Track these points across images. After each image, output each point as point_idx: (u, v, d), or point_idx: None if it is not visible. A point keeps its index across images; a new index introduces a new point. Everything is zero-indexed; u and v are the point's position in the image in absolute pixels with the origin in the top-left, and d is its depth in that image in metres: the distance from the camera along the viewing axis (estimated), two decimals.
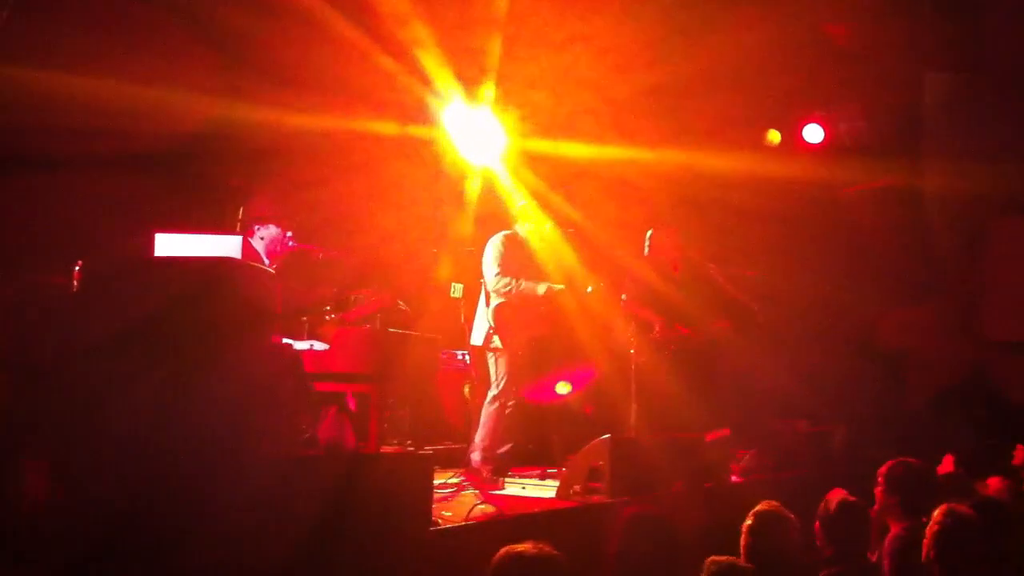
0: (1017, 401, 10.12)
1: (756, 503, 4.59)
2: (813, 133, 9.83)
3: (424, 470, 5.27)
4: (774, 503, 4.50)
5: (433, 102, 7.46)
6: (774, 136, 9.71)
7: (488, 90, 7.57)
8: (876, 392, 9.52)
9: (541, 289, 6.84)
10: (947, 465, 6.61)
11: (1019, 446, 7.72)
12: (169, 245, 5.17)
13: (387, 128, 7.27)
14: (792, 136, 9.86)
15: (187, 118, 6.38)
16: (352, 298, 6.79)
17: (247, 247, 5.81)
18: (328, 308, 6.49)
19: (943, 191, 9.61)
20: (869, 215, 9.78)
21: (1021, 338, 11.32)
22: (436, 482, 5.67)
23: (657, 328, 7.55)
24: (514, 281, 6.85)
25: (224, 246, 5.40)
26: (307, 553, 4.51)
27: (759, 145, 8.90)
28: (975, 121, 9.64)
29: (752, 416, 8.19)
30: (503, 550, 3.48)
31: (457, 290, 7.60)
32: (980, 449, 7.90)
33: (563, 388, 7.03)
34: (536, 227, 7.10)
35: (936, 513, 4.28)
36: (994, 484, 6.27)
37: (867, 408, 9.04)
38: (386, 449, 5.77)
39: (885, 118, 9.48)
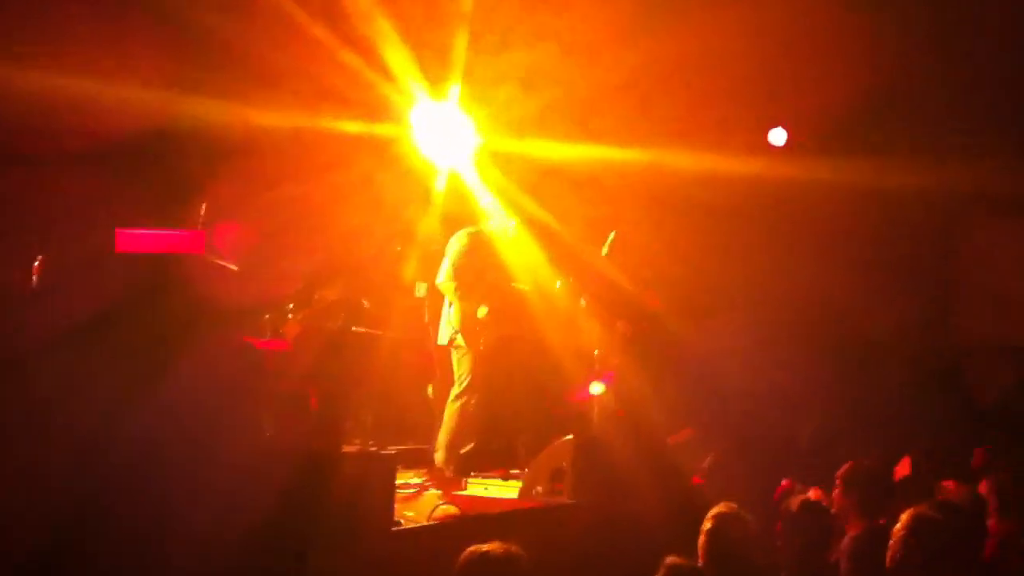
0: (982, 403, 10.25)
1: (715, 504, 4.62)
2: (777, 136, 9.89)
3: (387, 470, 5.26)
4: (732, 505, 4.52)
5: (399, 100, 7.43)
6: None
7: (454, 88, 7.55)
8: (845, 391, 9.59)
9: (480, 312, 6.86)
10: (904, 467, 6.67)
11: (977, 450, 7.82)
12: (130, 241, 5.12)
13: (352, 126, 7.22)
14: (758, 135, 9.90)
15: (150, 114, 6.31)
16: (315, 296, 6.75)
17: (208, 244, 5.76)
18: (290, 306, 6.45)
19: (914, 189, 9.69)
20: (839, 213, 9.84)
21: (990, 340, 11.47)
22: (399, 482, 5.65)
23: (622, 328, 7.56)
24: (451, 289, 6.86)
25: (185, 243, 5.36)
26: (268, 552, 4.49)
27: (725, 143, 8.93)
28: (947, 117, 9.74)
29: (718, 417, 8.23)
30: (469, 549, 3.48)
31: (421, 289, 7.58)
32: (938, 450, 7.99)
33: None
34: (501, 225, 7.10)
35: (903, 517, 4.29)
36: (950, 487, 6.34)
37: (835, 407, 9.10)
38: (348, 449, 5.74)
39: (854, 114, 9.54)
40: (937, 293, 11.66)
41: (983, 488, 5.80)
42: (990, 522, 5.39)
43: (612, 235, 7.65)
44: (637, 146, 8.45)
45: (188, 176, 6.56)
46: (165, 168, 6.67)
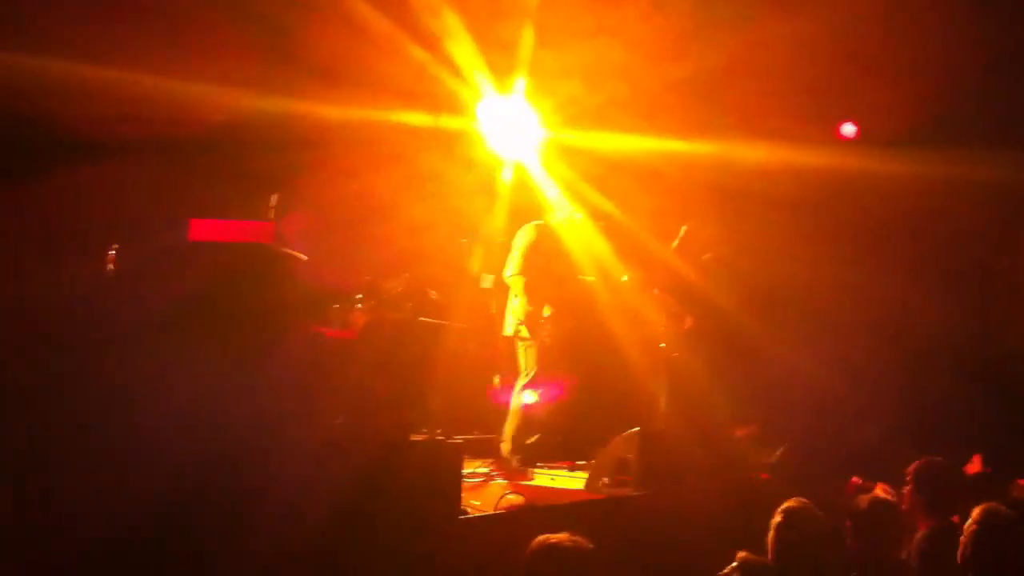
0: None
1: (783, 500, 4.59)
2: (848, 130, 9.76)
3: (454, 459, 5.31)
4: (803, 500, 4.49)
5: (465, 93, 7.48)
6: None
7: (519, 81, 7.57)
8: (908, 392, 9.45)
9: (545, 311, 6.86)
10: (976, 465, 6.57)
11: None
12: (203, 231, 5.22)
13: (419, 119, 7.29)
14: (826, 127, 9.77)
15: (223, 109, 6.44)
16: (382, 287, 6.82)
17: (278, 234, 5.85)
18: (359, 297, 6.53)
19: (976, 182, 9.50)
20: (904, 206, 9.67)
21: None
22: (465, 471, 5.70)
23: (689, 321, 7.54)
24: (519, 284, 6.87)
25: (256, 233, 5.44)
26: (338, 539, 4.56)
27: (792, 135, 8.82)
28: (1010, 112, 9.52)
29: (783, 413, 8.16)
30: (539, 539, 3.52)
31: (488, 281, 7.62)
32: (1009, 450, 7.84)
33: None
34: (568, 217, 7.12)
35: (975, 512, 4.26)
36: (1023, 486, 6.23)
37: (900, 407, 8.96)
38: (416, 438, 5.80)
39: (920, 107, 9.37)
40: (1006, 294, 11.40)
41: None
42: None
43: (683, 229, 7.63)
44: (702, 139, 8.39)
45: (260, 169, 6.67)
46: (238, 161, 6.79)
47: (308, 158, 6.95)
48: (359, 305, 6.61)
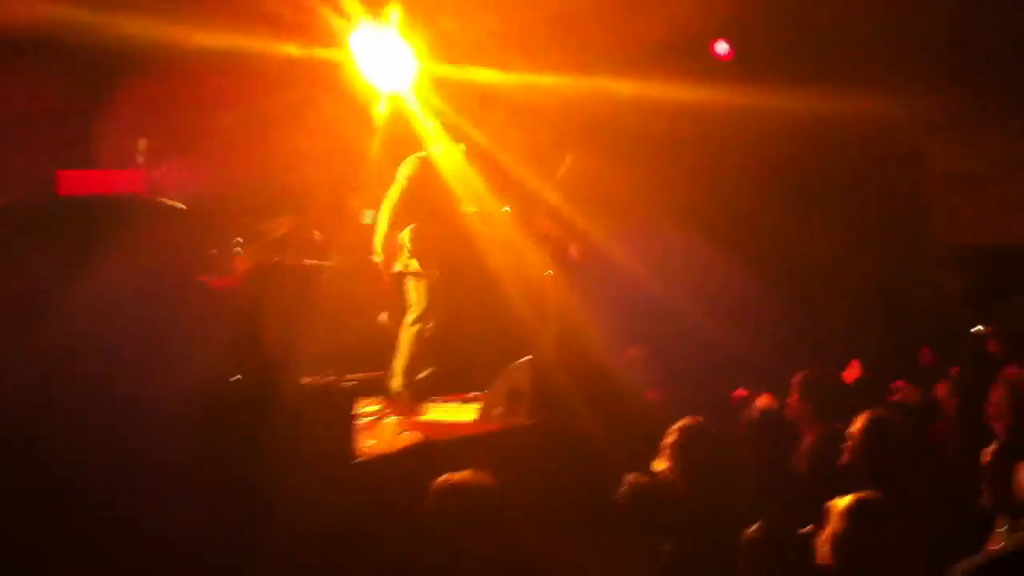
0: (930, 304, 10.48)
1: (675, 420, 4.66)
2: (721, 48, 9.84)
3: (345, 400, 5.23)
4: (696, 417, 4.56)
5: (338, 23, 7.23)
6: None
7: (394, 13, 7.36)
8: (790, 309, 9.73)
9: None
10: (854, 370, 6.80)
11: (924, 349, 8.01)
12: (72, 183, 4.96)
13: (291, 50, 7.02)
14: (703, 60, 9.83)
15: (81, 44, 6.06)
16: (262, 229, 6.64)
17: (150, 181, 5.62)
18: (239, 240, 6.34)
19: (873, 114, 9.75)
20: (788, 139, 9.87)
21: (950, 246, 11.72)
22: (358, 411, 5.63)
23: (574, 249, 7.57)
24: (383, 224, 6.78)
25: (127, 182, 5.22)
26: (229, 490, 4.45)
27: (668, 70, 8.86)
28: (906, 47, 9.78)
29: (671, 333, 8.30)
30: (441, 479, 3.48)
31: (370, 216, 7.49)
32: (886, 352, 8.17)
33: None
34: (448, 150, 7.02)
35: (859, 418, 4.40)
36: (900, 387, 6.50)
37: (779, 322, 9.23)
38: (304, 382, 5.69)
39: (803, 40, 9.52)
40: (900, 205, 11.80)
41: (938, 389, 5.97)
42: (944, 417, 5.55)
43: (567, 160, 7.62)
44: (576, 74, 8.35)
45: (124, 107, 6.33)
46: (101, 101, 6.42)
47: (175, 92, 6.63)
48: (239, 250, 6.42)
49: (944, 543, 3.44)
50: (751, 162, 9.95)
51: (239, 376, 5.16)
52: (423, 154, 7.02)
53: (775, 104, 9.02)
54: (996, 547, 3.52)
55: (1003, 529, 3.62)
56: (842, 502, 3.40)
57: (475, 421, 6.35)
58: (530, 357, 6.41)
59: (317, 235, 6.81)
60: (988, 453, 3.97)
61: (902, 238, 11.70)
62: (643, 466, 4.56)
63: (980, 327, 10.13)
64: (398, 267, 6.89)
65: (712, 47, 9.83)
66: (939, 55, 9.78)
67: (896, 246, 11.52)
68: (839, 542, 3.28)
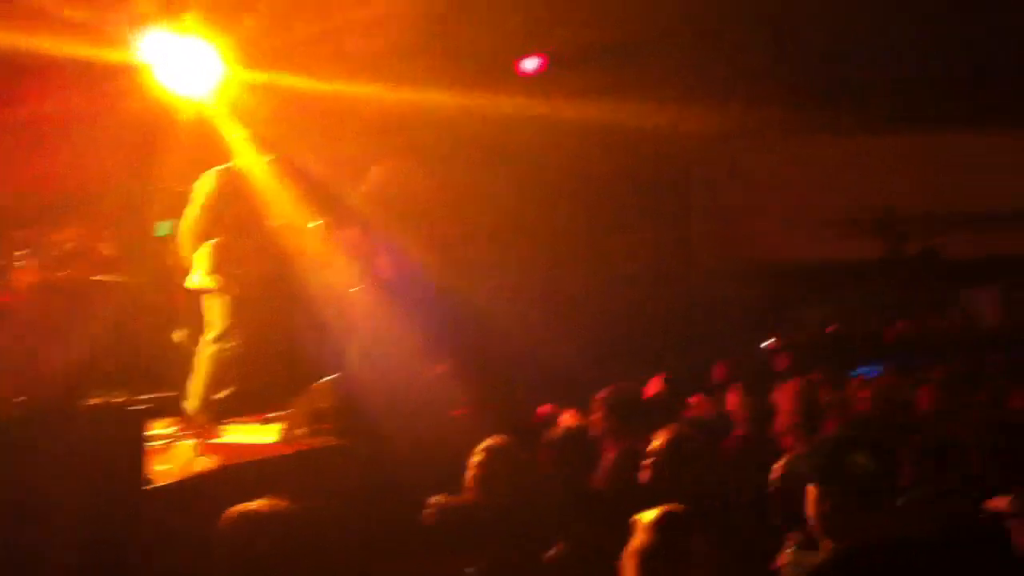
0: (720, 320, 10.95)
1: (481, 438, 4.65)
2: (530, 64, 10.00)
3: (133, 422, 4.95)
4: (502, 437, 4.57)
5: (133, 25, 6.87)
6: None
7: (194, 15, 7.06)
8: (593, 318, 9.95)
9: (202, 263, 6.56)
10: (655, 386, 6.99)
11: (718, 364, 8.34)
12: None
13: (79, 50, 6.60)
14: (515, 72, 9.95)
15: None
16: (48, 240, 6.23)
17: None
18: (22, 253, 5.91)
19: (652, 127, 10.09)
20: (585, 148, 10.10)
21: (726, 261, 12.29)
22: (149, 434, 5.34)
23: (381, 263, 7.46)
24: (183, 239, 6.54)
25: None
26: (9, 522, 4.14)
27: (480, 81, 8.92)
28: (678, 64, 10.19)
29: (478, 347, 8.33)
30: (232, 510, 3.31)
31: (164, 228, 7.15)
32: (682, 368, 8.45)
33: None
34: (255, 162, 6.79)
35: (659, 435, 4.50)
36: (696, 402, 6.74)
37: (584, 334, 9.43)
38: (90, 403, 5.36)
39: (608, 56, 9.78)
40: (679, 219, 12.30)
41: (728, 401, 6.21)
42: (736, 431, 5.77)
43: (375, 172, 7.51)
44: (392, 82, 8.27)
45: None
46: None
47: None
48: (22, 263, 6.00)
49: (736, 558, 3.55)
50: (558, 174, 10.15)
51: (22, 397, 4.83)
52: (223, 167, 6.76)
53: (581, 116, 9.24)
54: (791, 562, 3.66)
55: (793, 546, 3.76)
56: (648, 515, 3.46)
57: (276, 442, 6.15)
58: (335, 376, 6.27)
59: (106, 248, 6.43)
60: (777, 468, 4.14)
61: (693, 252, 12.21)
62: (451, 486, 4.53)
63: (767, 342, 10.68)
64: (196, 284, 6.60)
65: (520, 63, 9.97)
66: (721, 72, 10.26)
67: (687, 260, 12.00)
68: (645, 555, 3.32)
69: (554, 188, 10.12)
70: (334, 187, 7.61)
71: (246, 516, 3.25)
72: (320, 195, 7.46)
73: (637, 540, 3.37)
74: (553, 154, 9.91)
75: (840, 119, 11.75)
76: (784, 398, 6.25)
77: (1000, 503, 3.55)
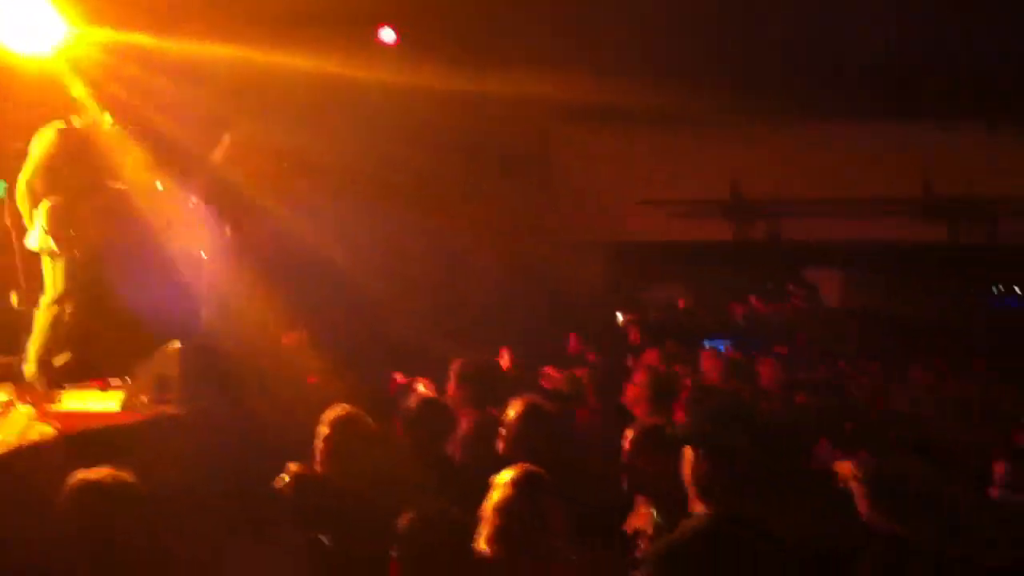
0: (575, 295, 11.12)
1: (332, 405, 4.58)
2: (387, 35, 9.88)
3: None
4: (347, 406, 4.52)
5: None
6: None
7: None
8: (449, 290, 9.95)
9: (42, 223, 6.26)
10: (509, 357, 7.05)
11: (572, 335, 8.47)
12: None
13: None
14: (367, 37, 9.81)
15: None
16: None
17: None
18: None
19: (510, 96, 10.11)
20: (444, 119, 10.05)
21: (582, 238, 12.48)
22: None
23: (229, 231, 7.26)
24: (20, 199, 6.23)
25: None
26: None
27: (335, 43, 8.73)
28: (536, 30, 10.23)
29: (329, 316, 8.21)
30: (76, 478, 3.17)
31: (0, 188, 6.77)
32: (536, 340, 8.55)
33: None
34: (96, 121, 6.48)
35: (513, 404, 4.53)
36: (551, 373, 6.83)
37: (440, 304, 9.42)
38: None
39: (459, 22, 9.73)
40: (535, 195, 12.41)
41: (580, 372, 6.31)
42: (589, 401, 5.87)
43: (226, 137, 7.26)
44: (246, 44, 8.01)
45: None
46: None
47: None
48: None
49: (588, 520, 3.61)
50: (418, 143, 10.08)
51: None
52: (66, 124, 6.43)
53: (439, 85, 9.19)
54: (651, 530, 3.74)
55: (650, 512, 3.85)
56: (507, 473, 3.52)
57: (118, 410, 5.91)
58: (180, 342, 6.06)
59: None
60: (628, 438, 4.21)
61: (549, 227, 12.34)
62: (305, 456, 4.46)
63: (621, 316, 10.92)
64: (35, 245, 6.28)
65: (377, 33, 9.85)
66: (584, 52, 10.37)
67: (543, 235, 12.12)
68: (504, 510, 3.38)
69: (413, 157, 10.04)
70: (185, 149, 7.34)
71: (87, 486, 3.13)
72: (170, 157, 7.19)
73: (497, 495, 3.43)
74: (411, 122, 9.83)
75: (692, 105, 12.02)
76: (636, 370, 6.41)
77: (845, 467, 3.72)
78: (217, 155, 7.18)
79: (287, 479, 4.10)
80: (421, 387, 6.04)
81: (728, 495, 3.07)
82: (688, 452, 3.15)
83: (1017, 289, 16.62)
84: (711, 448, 3.09)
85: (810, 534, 3.45)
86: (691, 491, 3.15)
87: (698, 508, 3.14)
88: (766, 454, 3.49)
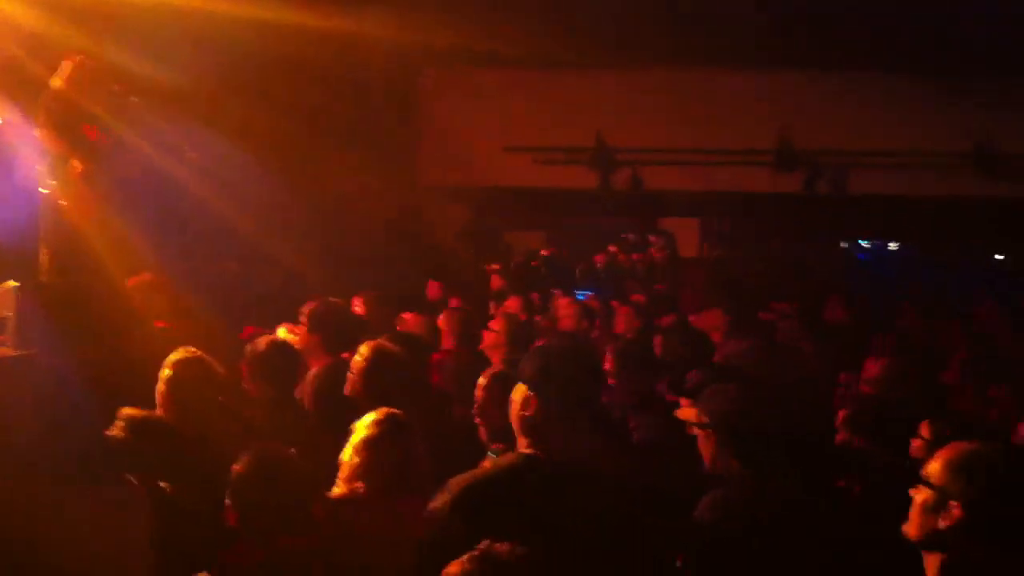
0: (439, 240, 11.06)
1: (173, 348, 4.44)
2: None
3: None
4: (192, 349, 4.39)
5: None
6: None
7: None
8: (316, 236, 9.76)
9: None
10: (363, 301, 6.94)
11: (431, 282, 8.41)
12: None
13: None
14: None
15: None
16: None
17: None
18: None
19: (383, 37, 9.91)
20: (316, 58, 9.76)
21: (448, 184, 12.40)
22: None
23: (77, 164, 6.86)
24: None
25: None
26: None
27: None
28: None
29: (186, 256, 7.94)
30: None
31: None
32: (398, 285, 8.47)
33: None
34: None
35: (362, 349, 4.47)
36: (409, 318, 6.77)
37: (307, 250, 9.22)
38: None
39: None
40: (404, 139, 12.25)
41: (440, 319, 6.27)
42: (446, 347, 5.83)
43: (68, 64, 6.81)
44: None
45: None
46: None
47: None
48: None
49: (444, 465, 3.57)
50: (283, 81, 9.79)
51: None
52: None
53: (305, 21, 8.92)
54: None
55: (493, 453, 3.86)
56: (371, 415, 3.59)
57: None
58: (18, 282, 5.75)
59: None
60: (480, 385, 4.19)
61: (416, 171, 12.21)
62: (147, 402, 4.31)
63: (484, 263, 10.91)
64: None
65: None
66: None
67: (410, 179, 11.99)
68: (370, 445, 3.50)
69: (281, 96, 9.73)
70: (20, 80, 6.93)
71: None
72: (9, 84, 6.78)
73: (361, 435, 3.41)
74: (281, 60, 9.51)
75: (563, 52, 11.97)
76: (496, 316, 6.40)
77: (687, 414, 3.76)
78: (58, 81, 6.74)
79: (122, 424, 3.94)
80: (282, 331, 5.88)
81: (549, 433, 3.05)
82: (518, 389, 3.12)
83: (864, 243, 17.31)
84: (537, 385, 3.05)
85: (648, 481, 3.50)
86: (515, 428, 3.11)
87: (522, 446, 3.11)
88: (598, 394, 3.48)
